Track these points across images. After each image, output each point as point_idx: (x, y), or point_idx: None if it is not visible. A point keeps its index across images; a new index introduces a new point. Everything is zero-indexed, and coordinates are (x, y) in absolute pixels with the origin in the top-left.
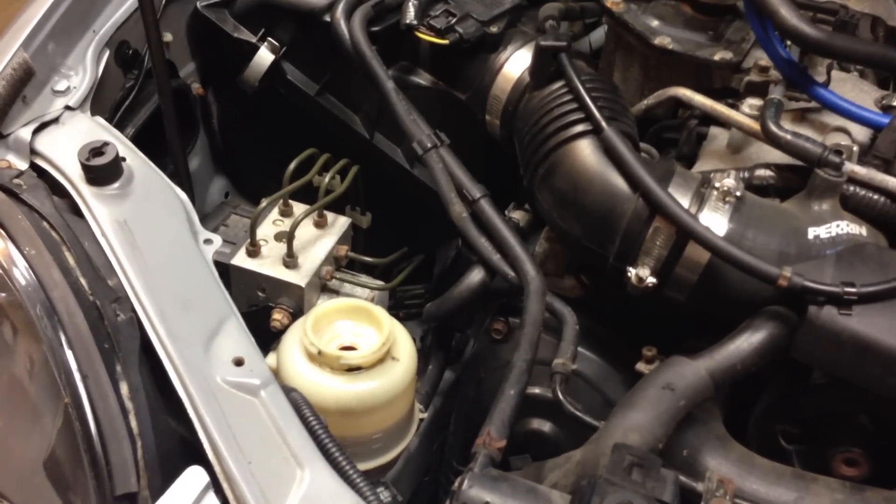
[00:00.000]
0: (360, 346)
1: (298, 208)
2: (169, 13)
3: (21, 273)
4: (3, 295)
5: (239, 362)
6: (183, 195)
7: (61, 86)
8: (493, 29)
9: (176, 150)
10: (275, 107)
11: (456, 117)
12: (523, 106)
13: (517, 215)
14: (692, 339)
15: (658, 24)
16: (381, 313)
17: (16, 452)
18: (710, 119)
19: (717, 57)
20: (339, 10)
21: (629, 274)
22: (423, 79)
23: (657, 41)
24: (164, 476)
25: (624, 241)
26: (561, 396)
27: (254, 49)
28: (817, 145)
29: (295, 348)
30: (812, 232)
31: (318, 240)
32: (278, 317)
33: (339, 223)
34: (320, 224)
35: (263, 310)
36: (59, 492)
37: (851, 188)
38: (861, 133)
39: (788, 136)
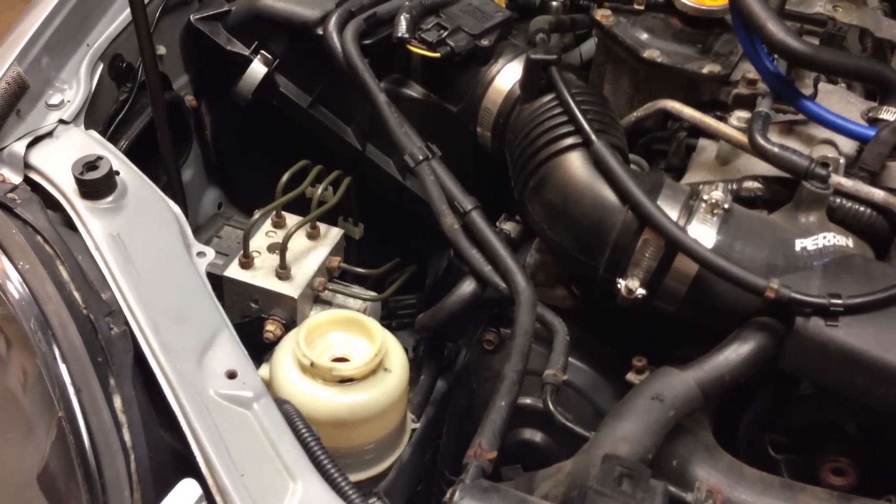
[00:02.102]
0: (352, 358)
1: (291, 220)
2: (162, 26)
3: (15, 287)
4: None
5: (232, 375)
6: (176, 208)
7: (55, 99)
8: (484, 42)
9: (169, 162)
10: (268, 119)
11: (447, 129)
12: (514, 118)
13: (508, 227)
14: (682, 349)
15: (647, 37)
16: (374, 325)
17: (10, 466)
18: (698, 131)
19: (705, 70)
20: (332, 24)
21: (619, 285)
22: (414, 91)
23: (646, 54)
24: (158, 489)
25: (613, 253)
26: (552, 407)
27: (247, 61)
28: (804, 158)
29: (287, 360)
30: (799, 244)
31: (311, 251)
32: (271, 328)
33: (332, 234)
34: (313, 235)
35: (256, 321)
36: None
37: (838, 200)
38: (847, 145)
39: (776, 149)
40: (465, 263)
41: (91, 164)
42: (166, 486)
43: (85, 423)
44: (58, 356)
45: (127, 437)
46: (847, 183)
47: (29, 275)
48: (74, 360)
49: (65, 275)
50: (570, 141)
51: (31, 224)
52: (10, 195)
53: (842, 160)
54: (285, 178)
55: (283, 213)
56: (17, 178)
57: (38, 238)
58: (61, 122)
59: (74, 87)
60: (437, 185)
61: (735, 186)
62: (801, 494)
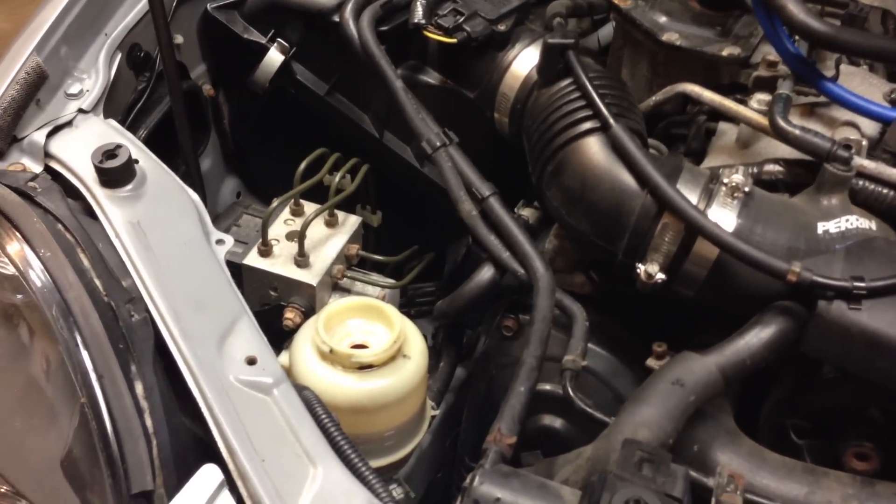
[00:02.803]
0: (371, 344)
1: (309, 208)
2: (180, 15)
3: (37, 275)
4: (20, 296)
5: (252, 361)
6: (195, 196)
7: (74, 89)
8: (501, 27)
9: (188, 151)
10: (285, 107)
11: (465, 116)
12: (531, 104)
13: (526, 213)
14: (702, 334)
15: (666, 20)
16: (392, 311)
17: (33, 452)
18: (718, 115)
19: (725, 52)
20: (348, 11)
21: (638, 270)
22: (431, 77)
23: (665, 37)
24: (180, 474)
25: (633, 238)
26: (571, 393)
27: (264, 50)
28: (826, 140)
29: (307, 347)
30: (821, 227)
31: (329, 239)
32: (290, 316)
33: (350, 222)
34: (331, 223)
35: (275, 309)
36: (77, 490)
37: (860, 182)
38: (870, 127)
39: (797, 131)
40: (484, 250)
41: (110, 153)
42: (188, 472)
43: (107, 409)
44: (80, 343)
45: (149, 422)
46: (870, 165)
47: (50, 262)
48: (96, 347)
49: (86, 262)
50: (588, 125)
51: (51, 212)
52: (31, 184)
53: (864, 142)
54: (303, 166)
55: (301, 201)
56: (37, 167)
57: (59, 226)
58: (80, 111)
59: (93, 76)
60: (455, 172)
61: (756, 170)
62: (824, 479)
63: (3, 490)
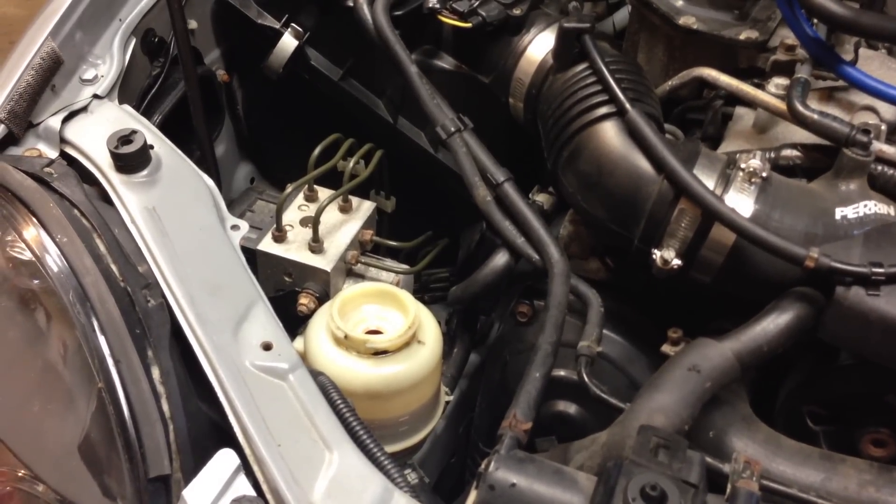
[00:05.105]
0: (386, 330)
1: (323, 193)
2: (194, 0)
3: (53, 260)
4: (37, 282)
5: (267, 347)
6: (210, 181)
7: (89, 74)
8: (516, 11)
9: (202, 137)
10: (299, 92)
11: (479, 101)
12: (547, 88)
13: (541, 198)
14: (718, 320)
15: (682, 3)
16: (407, 297)
17: (51, 436)
18: (735, 99)
19: (742, 36)
20: None
21: (654, 256)
22: (446, 62)
23: (682, 21)
24: (196, 458)
25: (649, 224)
26: (586, 379)
27: (277, 35)
28: (844, 124)
29: (322, 332)
30: (839, 212)
31: (344, 224)
32: (305, 301)
33: (364, 208)
34: (345, 209)
35: (290, 294)
36: (94, 474)
37: (879, 167)
38: (889, 112)
39: (815, 116)
40: (498, 235)
41: (126, 139)
42: (205, 456)
43: (124, 393)
44: (97, 328)
45: (165, 407)
46: (889, 150)
47: (67, 248)
48: (113, 332)
49: (102, 248)
50: (604, 110)
51: (67, 198)
52: (47, 169)
53: (883, 127)
54: (317, 151)
55: (315, 186)
56: (53, 153)
57: (75, 212)
58: (95, 96)
59: (108, 61)
60: (470, 157)
61: (773, 155)
62: (841, 465)
63: (21, 474)
